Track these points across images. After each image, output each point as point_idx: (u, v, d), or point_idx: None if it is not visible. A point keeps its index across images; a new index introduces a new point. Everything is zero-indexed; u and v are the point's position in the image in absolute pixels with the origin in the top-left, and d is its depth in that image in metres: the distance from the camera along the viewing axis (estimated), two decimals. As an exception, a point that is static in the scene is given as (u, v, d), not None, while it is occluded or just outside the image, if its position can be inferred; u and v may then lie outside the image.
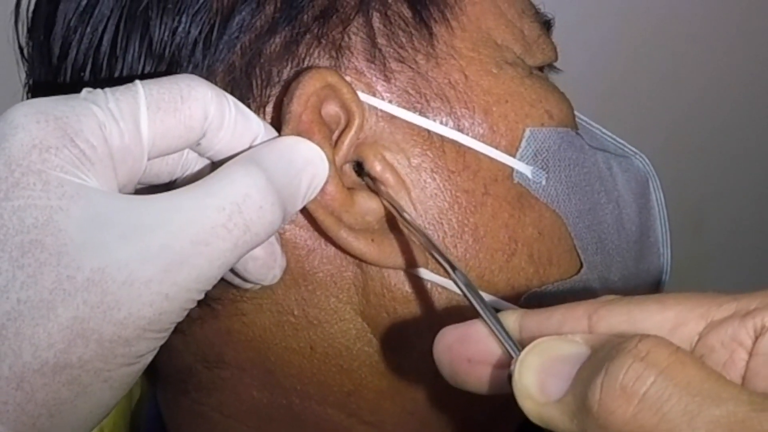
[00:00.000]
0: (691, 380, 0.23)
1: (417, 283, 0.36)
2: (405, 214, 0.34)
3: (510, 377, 0.27)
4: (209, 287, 0.29)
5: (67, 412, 0.27)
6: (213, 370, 0.39)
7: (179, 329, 0.30)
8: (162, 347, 0.30)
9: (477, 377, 0.29)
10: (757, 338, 0.25)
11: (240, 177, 0.30)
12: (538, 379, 0.26)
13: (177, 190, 0.29)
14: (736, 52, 1.20)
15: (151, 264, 0.27)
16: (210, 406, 0.40)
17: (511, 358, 0.28)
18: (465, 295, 0.31)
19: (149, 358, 0.29)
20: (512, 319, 0.29)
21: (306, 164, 0.32)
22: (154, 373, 0.42)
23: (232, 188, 0.29)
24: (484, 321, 0.29)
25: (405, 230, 0.35)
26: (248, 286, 0.35)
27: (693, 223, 1.20)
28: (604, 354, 0.25)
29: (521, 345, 0.28)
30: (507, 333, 0.29)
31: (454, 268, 0.32)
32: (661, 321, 0.26)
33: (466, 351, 0.29)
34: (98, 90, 0.29)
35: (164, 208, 0.28)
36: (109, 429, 0.45)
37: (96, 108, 0.28)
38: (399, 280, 0.36)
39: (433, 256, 0.33)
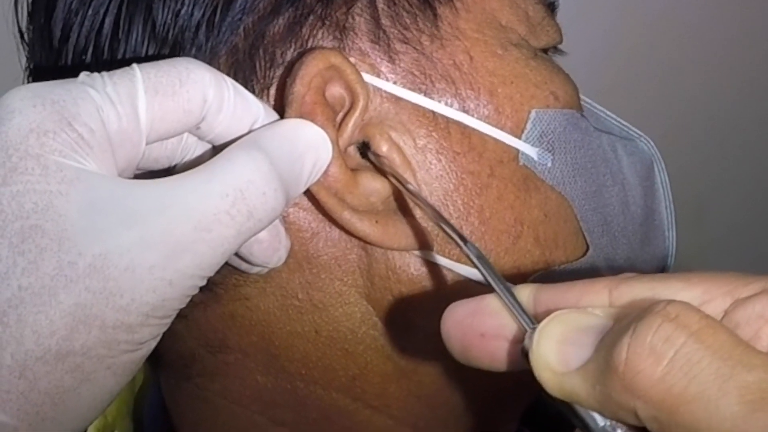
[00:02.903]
0: (723, 345, 0.23)
1: (422, 265, 0.36)
2: (410, 186, 0.34)
3: (524, 351, 0.26)
4: (212, 273, 0.29)
5: (70, 400, 0.27)
6: (216, 355, 0.38)
7: (182, 314, 0.30)
8: (164, 333, 0.29)
9: (490, 353, 0.28)
10: None
11: (243, 162, 0.29)
12: (558, 349, 0.25)
13: (179, 175, 0.29)
14: (740, 41, 1.20)
15: (154, 250, 0.27)
16: (213, 391, 0.40)
17: (526, 332, 0.27)
18: (477, 268, 0.30)
19: (152, 344, 0.29)
20: (526, 292, 0.29)
21: (309, 147, 0.32)
22: (157, 359, 0.41)
23: (235, 174, 0.29)
24: (498, 294, 0.28)
25: (413, 207, 0.35)
26: (255, 270, 0.35)
27: (694, 212, 1.19)
28: (629, 319, 0.24)
29: (536, 319, 0.27)
30: (521, 306, 0.28)
31: (465, 240, 0.31)
32: (687, 297, 0.26)
33: (479, 325, 0.29)
34: (95, 74, 0.29)
35: (166, 193, 0.28)
36: (112, 416, 0.45)
37: (93, 92, 0.28)
38: (404, 262, 0.36)
39: (444, 230, 0.32)
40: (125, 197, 0.27)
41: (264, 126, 0.32)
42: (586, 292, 0.28)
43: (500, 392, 0.39)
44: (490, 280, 0.29)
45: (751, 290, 0.26)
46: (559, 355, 0.25)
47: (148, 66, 0.30)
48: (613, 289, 0.27)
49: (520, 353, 0.27)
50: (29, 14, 0.39)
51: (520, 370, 0.28)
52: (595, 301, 0.27)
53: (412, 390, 0.38)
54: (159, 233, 0.27)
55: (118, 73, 0.29)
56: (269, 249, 0.33)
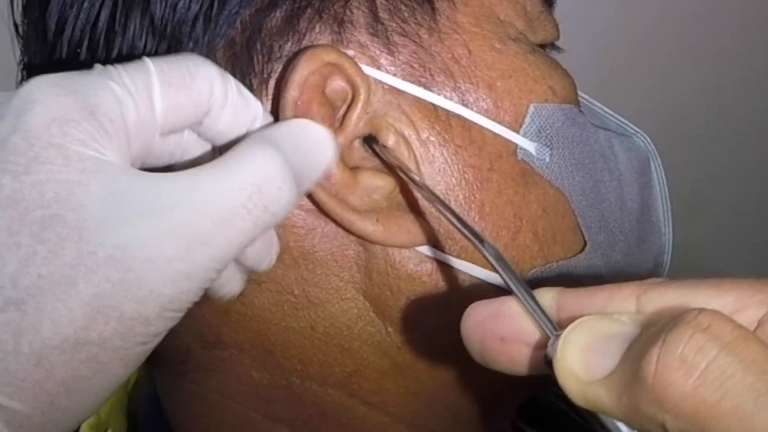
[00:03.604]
0: (757, 357, 0.22)
1: (422, 260, 0.36)
2: (415, 177, 0.34)
3: (547, 358, 0.26)
4: (226, 267, 0.29)
5: (84, 389, 0.27)
6: (212, 350, 0.38)
7: None
8: None
9: (510, 357, 0.28)
10: None
11: (259, 157, 0.29)
12: (583, 357, 0.25)
13: (194, 168, 0.29)
14: (736, 36, 1.20)
15: (173, 242, 0.27)
16: (209, 387, 0.39)
17: (548, 337, 0.26)
18: (497, 271, 0.29)
19: (161, 337, 0.29)
20: (549, 297, 0.28)
21: (314, 145, 0.32)
22: (152, 355, 0.41)
23: (252, 168, 0.29)
24: (518, 298, 0.28)
25: (415, 203, 0.35)
26: (222, 292, 0.34)
27: (690, 208, 1.19)
28: (658, 328, 0.24)
29: (559, 324, 0.26)
30: (543, 311, 0.27)
31: (482, 241, 0.31)
32: (719, 305, 0.25)
33: (499, 329, 0.28)
34: (110, 66, 0.29)
35: (184, 186, 0.28)
36: (105, 414, 0.45)
37: (112, 83, 0.28)
38: (403, 258, 0.36)
39: (459, 230, 0.32)
40: (144, 189, 0.27)
41: (272, 124, 0.33)
42: (613, 298, 0.27)
43: (497, 389, 0.39)
44: (510, 283, 0.28)
45: None
46: (583, 364, 0.25)
47: (159, 59, 0.30)
48: (641, 295, 0.26)
49: (543, 360, 0.26)
50: (24, 7, 0.39)
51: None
52: (622, 308, 0.26)
53: (409, 387, 0.38)
54: (178, 225, 0.27)
55: (132, 65, 0.29)
56: (260, 252, 0.33)
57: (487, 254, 0.30)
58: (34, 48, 0.38)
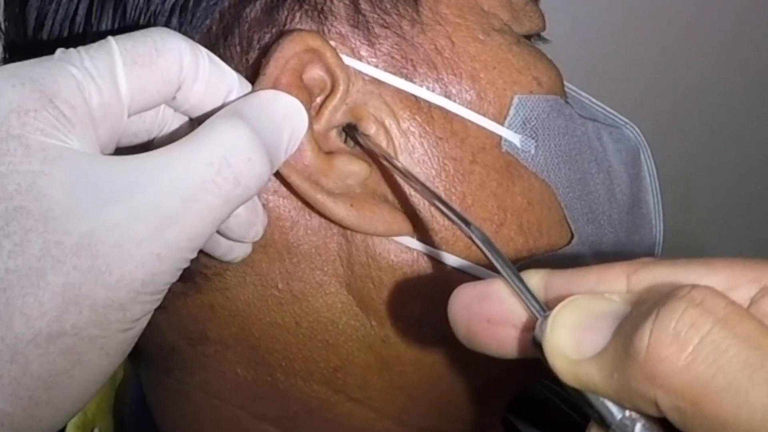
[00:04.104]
0: (751, 333, 0.22)
1: (402, 251, 0.35)
2: (398, 164, 0.33)
3: (535, 339, 0.25)
4: (201, 245, 0.29)
5: (64, 383, 0.26)
6: (196, 347, 0.38)
7: (162, 306, 0.29)
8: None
9: (497, 339, 0.27)
10: None
11: (226, 130, 0.29)
12: (573, 336, 0.24)
13: (162, 148, 0.28)
14: (727, 27, 1.20)
15: (141, 224, 0.26)
16: (194, 385, 0.39)
17: (536, 319, 0.26)
18: (483, 252, 0.29)
19: (144, 322, 0.29)
20: (536, 278, 0.28)
21: (285, 116, 0.32)
22: (137, 352, 0.41)
23: (219, 142, 0.28)
24: (505, 279, 0.27)
25: (392, 191, 0.35)
26: (229, 257, 0.34)
27: (680, 200, 1.19)
28: (650, 305, 0.23)
29: (547, 306, 0.26)
30: (531, 292, 0.27)
31: (468, 223, 0.30)
32: (711, 284, 0.24)
33: (486, 311, 0.27)
34: (71, 50, 0.29)
35: (151, 166, 0.27)
36: (92, 412, 0.45)
37: (72, 68, 0.28)
38: (384, 249, 0.35)
39: (444, 213, 0.31)
40: (109, 173, 0.27)
41: (241, 97, 0.32)
42: (603, 278, 0.26)
43: (484, 383, 0.39)
44: (497, 265, 0.28)
45: None
46: (574, 342, 0.24)
47: (123, 38, 0.29)
48: (631, 274, 0.26)
49: (531, 341, 0.26)
50: (4, 3, 0.39)
51: (511, 360, 0.27)
52: (612, 287, 0.26)
53: (395, 381, 0.38)
54: (145, 207, 0.27)
55: (95, 47, 0.29)
56: (246, 223, 0.33)
57: (473, 236, 0.30)
58: (15, 44, 0.38)
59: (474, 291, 0.28)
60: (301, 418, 0.38)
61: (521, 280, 0.27)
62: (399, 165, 0.33)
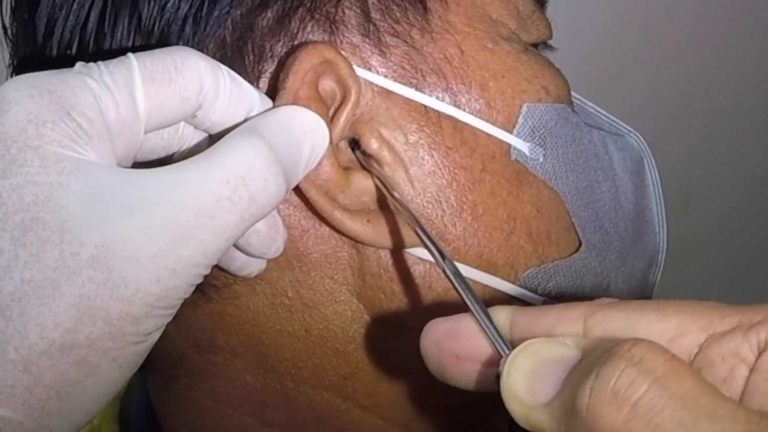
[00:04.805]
0: (687, 392, 0.22)
1: (415, 262, 0.36)
2: (395, 193, 0.34)
3: (498, 377, 0.26)
4: (215, 261, 0.29)
5: (76, 393, 0.26)
6: (205, 355, 0.38)
7: None
8: None
9: (465, 374, 0.29)
10: (759, 354, 0.24)
11: (243, 148, 0.29)
12: (527, 382, 0.25)
13: (179, 163, 0.28)
14: (728, 34, 1.20)
15: (156, 238, 0.26)
16: (202, 392, 0.39)
17: (500, 356, 0.27)
18: (455, 287, 0.30)
19: (156, 335, 0.29)
20: (503, 315, 0.29)
21: (306, 133, 0.32)
22: (145, 360, 0.41)
23: (236, 160, 0.28)
24: (474, 316, 0.28)
25: (396, 211, 0.35)
26: (244, 272, 0.34)
27: (682, 207, 1.20)
28: (595, 357, 0.24)
29: (512, 343, 0.27)
30: (497, 330, 0.28)
31: (443, 256, 0.31)
32: (661, 330, 0.25)
33: (455, 347, 0.29)
34: (91, 63, 0.29)
35: (167, 181, 0.27)
36: (98, 420, 0.45)
37: (90, 80, 0.28)
38: (396, 260, 0.35)
39: (423, 243, 0.32)
40: (126, 186, 0.27)
41: (260, 113, 0.32)
42: (561, 319, 0.27)
43: (491, 395, 0.39)
44: (467, 301, 0.29)
45: (727, 324, 0.25)
46: (527, 388, 0.25)
47: (143, 55, 0.29)
48: (588, 317, 0.27)
49: (495, 378, 0.27)
50: (12, 9, 0.39)
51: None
52: (569, 329, 0.27)
53: (404, 389, 0.38)
54: (161, 222, 0.27)
55: (114, 62, 0.29)
56: (267, 239, 0.33)
57: (446, 268, 0.31)
58: (24, 50, 0.38)
59: (444, 327, 0.29)
60: (310, 425, 0.38)
61: (488, 317, 0.28)
62: (390, 189, 0.34)
